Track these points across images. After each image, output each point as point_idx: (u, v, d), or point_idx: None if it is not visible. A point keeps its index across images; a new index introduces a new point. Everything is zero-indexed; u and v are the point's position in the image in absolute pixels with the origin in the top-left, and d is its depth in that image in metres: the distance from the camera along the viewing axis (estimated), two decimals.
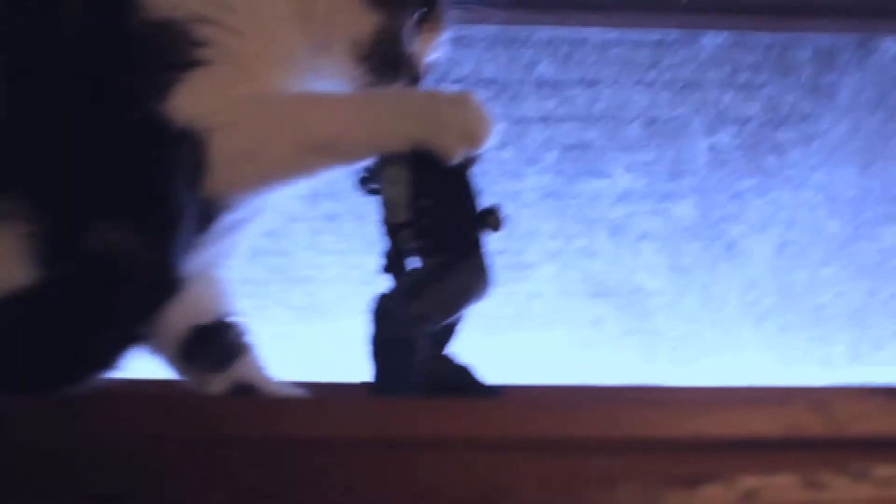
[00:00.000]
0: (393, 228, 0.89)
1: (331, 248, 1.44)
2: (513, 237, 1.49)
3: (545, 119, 1.49)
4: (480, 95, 1.12)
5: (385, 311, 0.85)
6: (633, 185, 1.53)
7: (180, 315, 1.01)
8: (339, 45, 0.98)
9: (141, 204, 0.82)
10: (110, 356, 0.81)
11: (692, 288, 1.56)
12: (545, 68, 1.49)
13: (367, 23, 0.97)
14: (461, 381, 0.94)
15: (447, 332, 0.91)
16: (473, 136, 0.88)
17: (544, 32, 1.47)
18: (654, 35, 1.52)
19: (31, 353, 0.77)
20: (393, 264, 0.90)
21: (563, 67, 1.48)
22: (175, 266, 0.83)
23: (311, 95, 0.97)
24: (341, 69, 1.00)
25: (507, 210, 1.45)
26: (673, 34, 1.52)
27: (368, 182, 0.94)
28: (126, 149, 0.84)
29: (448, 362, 0.94)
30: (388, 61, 0.97)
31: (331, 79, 1.01)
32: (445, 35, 1.07)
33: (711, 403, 0.77)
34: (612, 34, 1.51)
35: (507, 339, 1.34)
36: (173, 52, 0.91)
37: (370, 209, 0.94)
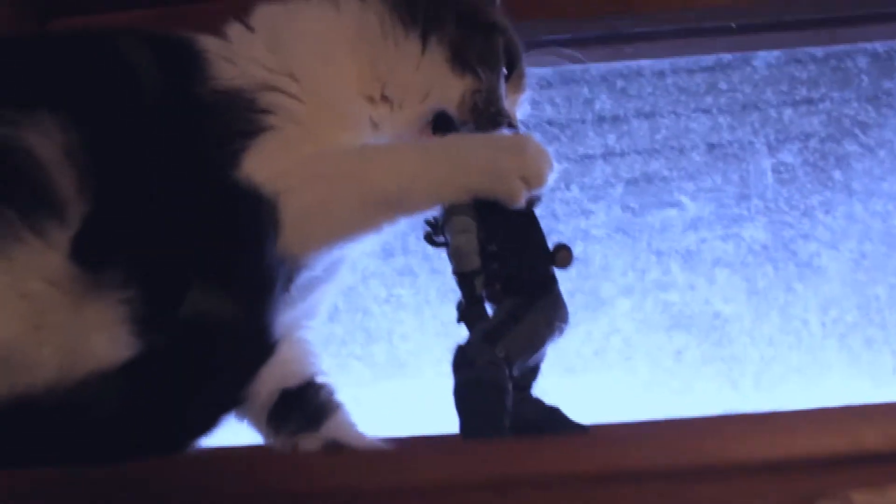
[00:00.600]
0: (465, 277, 0.90)
1: (407, 302, 1.44)
2: (586, 275, 1.48)
3: (607, 154, 1.48)
4: (540, 137, 1.12)
5: (467, 359, 0.85)
6: (700, 213, 1.51)
7: (268, 379, 1.01)
8: (413, 103, 1.01)
9: (229, 269, 0.83)
10: (209, 423, 0.81)
11: (770, 311, 1.53)
12: (603, 104, 1.49)
13: (464, 86, 1.02)
14: (551, 422, 0.92)
15: (531, 374, 0.92)
16: (533, 178, 0.91)
17: (599, 68, 1.47)
18: (708, 60, 1.51)
19: (132, 422, 0.77)
20: (469, 312, 0.90)
21: (621, 101, 1.48)
22: (269, 329, 0.83)
23: (374, 149, 0.99)
24: (410, 126, 1.02)
25: (578, 248, 1.45)
26: (726, 57, 1.51)
27: (435, 235, 0.95)
28: (208, 216, 0.86)
29: (537, 404, 0.93)
30: (489, 115, 1.02)
31: (397, 134, 1.01)
32: (527, 93, 1.11)
33: (817, 423, 0.76)
34: (665, 63, 1.50)
35: (588, 378, 1.32)
36: (241, 120, 0.93)
37: (442, 261, 0.94)
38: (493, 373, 0.84)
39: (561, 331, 0.90)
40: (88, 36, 0.99)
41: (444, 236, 0.93)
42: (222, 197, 0.87)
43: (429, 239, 0.95)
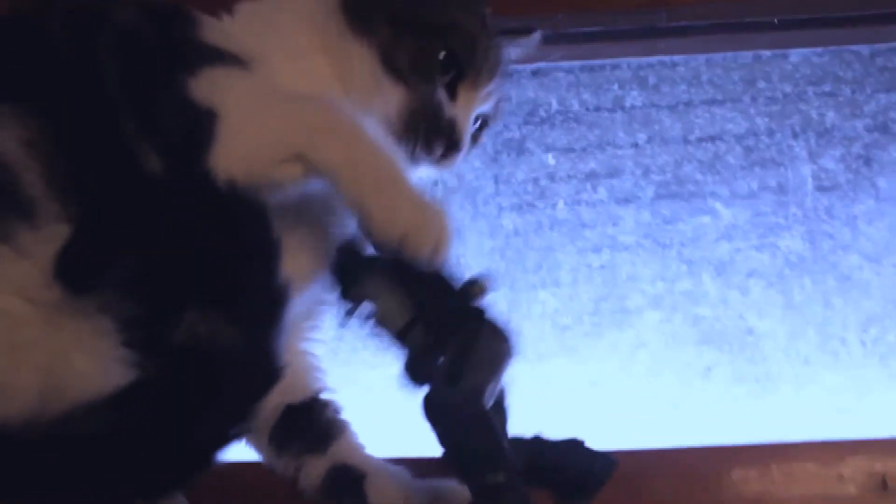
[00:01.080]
0: (404, 332, 0.89)
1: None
2: (612, 285, 1.41)
3: (637, 155, 1.40)
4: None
5: (440, 407, 0.85)
6: (735, 221, 1.44)
7: (271, 395, 0.94)
8: (378, 118, 0.94)
9: (231, 286, 0.77)
10: (209, 457, 0.76)
11: (807, 327, 1.45)
12: (634, 101, 1.41)
13: (397, 97, 0.96)
14: (576, 457, 0.89)
15: (500, 409, 0.90)
16: (440, 249, 0.85)
17: (630, 63, 1.39)
18: (745, 56, 1.43)
19: (126, 457, 0.70)
20: (421, 364, 0.88)
21: (653, 98, 1.40)
22: (275, 353, 0.78)
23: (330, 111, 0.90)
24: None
25: (604, 256, 1.37)
26: (765, 54, 1.43)
27: (353, 308, 0.91)
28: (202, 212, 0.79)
29: (553, 445, 0.90)
30: (423, 132, 0.97)
31: None
32: (491, 87, 1.03)
33: None
34: (700, 59, 1.43)
35: (613, 393, 1.25)
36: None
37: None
38: (471, 409, 0.84)
39: (512, 350, 0.90)
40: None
41: (360, 305, 0.91)
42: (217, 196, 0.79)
43: (350, 314, 0.92)
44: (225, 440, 0.77)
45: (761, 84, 1.44)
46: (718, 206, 1.43)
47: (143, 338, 0.74)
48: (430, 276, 0.88)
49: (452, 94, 1.00)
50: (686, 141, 1.43)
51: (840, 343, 1.45)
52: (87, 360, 0.73)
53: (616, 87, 1.42)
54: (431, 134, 0.98)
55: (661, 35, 1.36)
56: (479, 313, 0.89)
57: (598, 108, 1.41)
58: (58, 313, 0.74)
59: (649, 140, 1.43)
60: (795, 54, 1.44)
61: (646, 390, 1.41)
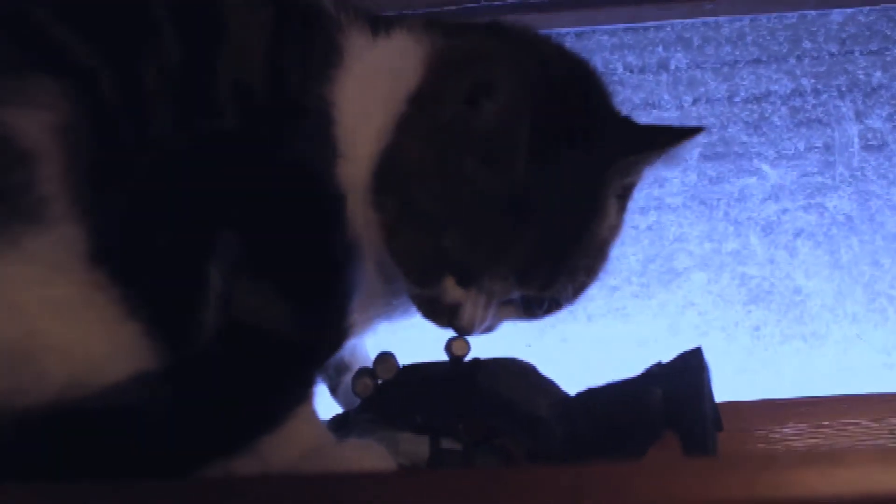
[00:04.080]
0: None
1: None
2: (660, 246, 1.41)
3: (683, 117, 1.40)
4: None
5: (550, 437, 0.83)
6: (781, 181, 1.43)
7: None
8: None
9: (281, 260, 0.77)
10: (268, 425, 0.74)
11: (855, 286, 1.44)
12: (678, 63, 1.41)
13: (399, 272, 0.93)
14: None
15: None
16: None
17: (675, 25, 1.39)
18: (791, 17, 1.42)
19: (187, 428, 0.70)
20: (476, 454, 0.86)
21: (698, 61, 1.40)
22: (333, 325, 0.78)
23: None
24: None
25: (651, 217, 1.37)
26: (811, 14, 1.42)
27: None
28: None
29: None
30: (422, 311, 0.94)
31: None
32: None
33: None
34: (744, 20, 1.42)
35: (661, 353, 1.26)
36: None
37: None
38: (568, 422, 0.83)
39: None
40: None
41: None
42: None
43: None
44: (289, 402, 0.76)
45: (807, 44, 1.43)
46: (765, 166, 1.43)
47: (171, 313, 0.74)
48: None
49: (464, 283, 0.93)
50: (731, 102, 1.42)
51: (888, 301, 1.44)
52: (112, 343, 0.72)
53: (660, 48, 1.41)
54: (430, 316, 0.95)
55: None
56: (473, 366, 0.90)
57: (642, 70, 1.40)
58: (82, 297, 0.71)
59: (694, 102, 1.42)
60: (841, 13, 1.42)
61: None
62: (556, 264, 0.91)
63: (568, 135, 0.89)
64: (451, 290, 0.92)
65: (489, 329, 0.95)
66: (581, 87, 0.96)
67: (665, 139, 0.94)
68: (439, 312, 0.93)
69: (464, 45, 0.93)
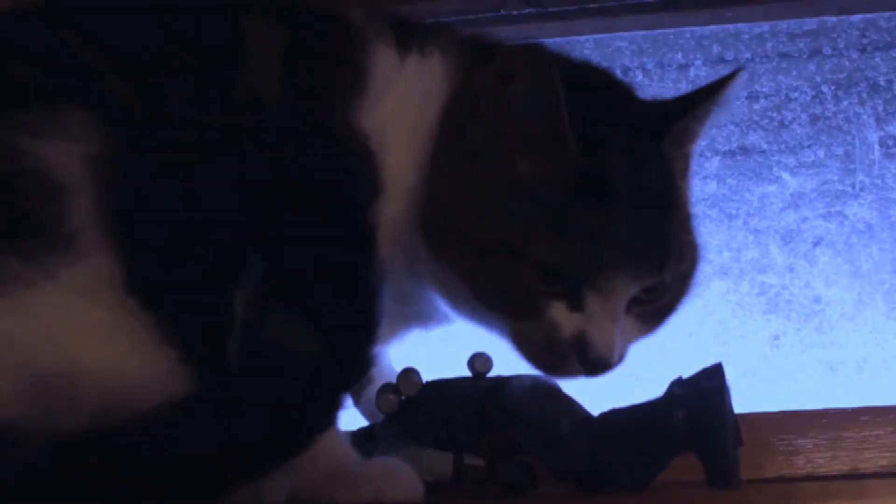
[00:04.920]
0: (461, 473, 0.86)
1: None
2: None
3: None
4: None
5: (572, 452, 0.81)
6: (801, 189, 1.42)
7: None
8: None
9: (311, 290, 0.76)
10: (306, 437, 0.74)
11: (875, 295, 1.43)
12: (698, 70, 1.40)
13: (499, 328, 0.90)
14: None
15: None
16: None
17: (694, 32, 1.38)
18: (811, 23, 1.41)
19: (217, 453, 0.70)
20: (502, 469, 0.85)
21: (717, 68, 1.39)
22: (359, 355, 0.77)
23: None
24: None
25: None
26: (831, 20, 1.41)
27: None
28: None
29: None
30: (543, 363, 0.88)
31: None
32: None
33: None
34: (764, 27, 1.41)
35: (681, 363, 1.25)
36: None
37: None
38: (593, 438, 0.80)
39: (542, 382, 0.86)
40: None
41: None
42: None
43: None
44: (316, 426, 0.75)
45: (827, 50, 1.42)
46: (785, 175, 1.42)
47: (201, 339, 0.74)
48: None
49: (576, 303, 0.84)
50: (751, 109, 1.41)
51: None
52: (145, 369, 0.73)
53: (679, 55, 1.41)
54: (554, 366, 0.86)
55: (725, 3, 1.35)
56: (492, 388, 0.86)
57: (661, 78, 1.40)
58: (115, 324, 0.72)
59: None
60: (861, 19, 1.41)
61: (713, 359, 1.40)
62: (657, 234, 0.84)
63: (612, 114, 0.88)
64: (565, 318, 0.84)
65: (621, 358, 0.88)
66: (613, 79, 0.97)
67: (708, 90, 0.93)
68: (561, 355, 0.85)
69: (496, 65, 0.88)
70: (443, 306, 0.91)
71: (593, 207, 0.81)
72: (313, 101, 0.82)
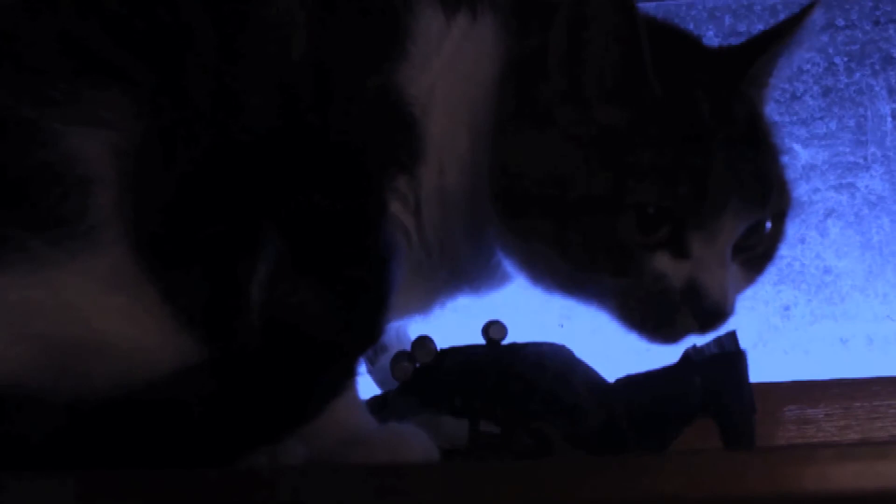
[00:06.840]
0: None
1: None
2: None
3: None
4: None
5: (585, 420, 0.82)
6: (813, 161, 1.42)
7: None
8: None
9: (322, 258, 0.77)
10: (314, 411, 0.75)
11: (885, 266, 1.44)
12: (710, 41, 1.39)
13: (600, 290, 0.86)
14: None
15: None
16: None
17: (706, 2, 1.38)
18: None
19: (233, 418, 0.71)
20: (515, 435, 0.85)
21: (729, 39, 1.38)
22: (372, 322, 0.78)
23: None
24: None
25: None
26: None
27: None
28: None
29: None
30: (652, 322, 0.83)
31: None
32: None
33: None
34: None
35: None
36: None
37: None
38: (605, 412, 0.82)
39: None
40: None
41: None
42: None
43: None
44: (329, 392, 0.76)
45: (840, 22, 1.42)
46: (796, 146, 1.42)
47: (222, 314, 0.75)
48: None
49: (681, 249, 0.80)
50: None
51: None
52: (161, 339, 0.74)
53: (691, 26, 1.40)
54: (664, 324, 0.81)
55: None
56: (508, 354, 0.87)
57: None
58: (134, 300, 0.73)
59: None
60: None
61: (725, 329, 1.41)
62: (754, 168, 0.81)
63: (689, 57, 0.88)
64: (671, 268, 0.79)
65: (733, 309, 0.82)
66: (680, 28, 0.99)
67: (784, 27, 0.92)
68: (671, 310, 0.80)
69: (564, 14, 0.82)
70: (503, 270, 0.89)
71: (687, 145, 0.78)
72: (344, 66, 0.79)
